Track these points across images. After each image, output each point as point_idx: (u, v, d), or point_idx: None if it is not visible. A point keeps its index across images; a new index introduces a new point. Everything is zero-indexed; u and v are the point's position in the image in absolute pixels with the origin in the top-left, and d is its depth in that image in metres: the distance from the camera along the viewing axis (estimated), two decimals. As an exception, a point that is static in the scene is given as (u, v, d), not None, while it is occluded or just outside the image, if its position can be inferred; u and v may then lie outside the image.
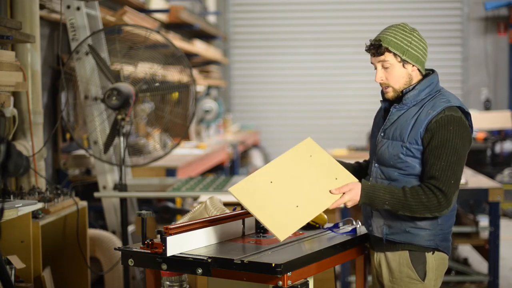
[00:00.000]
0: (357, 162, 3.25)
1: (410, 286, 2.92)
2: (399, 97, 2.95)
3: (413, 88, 2.91)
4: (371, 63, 2.97)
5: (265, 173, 2.79)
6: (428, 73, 2.98)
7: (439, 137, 2.81)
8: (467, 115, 2.91)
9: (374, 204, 2.85)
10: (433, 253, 2.93)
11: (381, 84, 2.96)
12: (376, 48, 2.89)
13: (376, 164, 2.99)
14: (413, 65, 2.89)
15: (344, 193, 2.82)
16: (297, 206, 2.74)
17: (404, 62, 2.88)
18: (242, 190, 2.70)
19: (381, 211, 2.94)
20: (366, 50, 2.96)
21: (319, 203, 2.78)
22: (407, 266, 2.92)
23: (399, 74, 2.90)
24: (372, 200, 2.84)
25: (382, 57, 2.89)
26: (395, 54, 2.87)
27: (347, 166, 3.10)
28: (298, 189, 2.79)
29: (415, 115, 2.88)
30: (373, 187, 2.85)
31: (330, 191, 2.82)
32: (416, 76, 2.93)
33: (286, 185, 2.78)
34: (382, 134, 2.97)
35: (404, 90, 2.92)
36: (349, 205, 2.85)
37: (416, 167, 2.89)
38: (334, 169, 2.91)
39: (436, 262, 2.94)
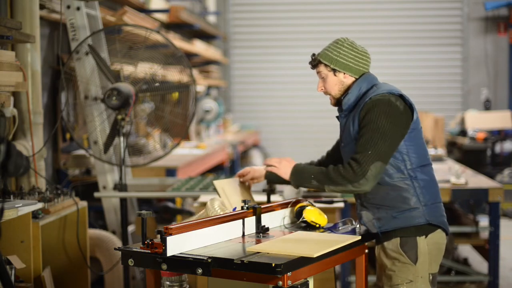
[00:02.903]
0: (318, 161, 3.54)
1: (403, 270, 3.06)
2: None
3: (347, 93, 3.15)
4: None
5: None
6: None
7: (365, 120, 3.05)
8: (401, 97, 3.06)
9: (302, 177, 3.16)
10: (425, 237, 3.05)
11: (324, 93, 3.22)
12: (312, 62, 3.21)
13: None
14: (344, 73, 3.14)
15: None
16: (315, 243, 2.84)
17: (334, 70, 3.14)
18: (259, 246, 2.76)
19: (368, 208, 3.12)
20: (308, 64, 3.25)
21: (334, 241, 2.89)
22: (398, 251, 3.06)
23: (333, 82, 3.17)
24: (300, 174, 3.17)
25: (317, 69, 3.20)
26: (325, 65, 3.15)
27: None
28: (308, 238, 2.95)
29: (354, 114, 3.11)
30: (303, 165, 3.23)
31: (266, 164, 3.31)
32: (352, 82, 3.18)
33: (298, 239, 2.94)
34: (342, 144, 3.23)
35: (342, 97, 3.17)
36: (278, 172, 3.25)
37: None
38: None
39: (429, 246, 3.07)
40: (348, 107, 3.14)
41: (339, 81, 3.15)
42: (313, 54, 3.21)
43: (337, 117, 3.27)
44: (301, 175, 3.16)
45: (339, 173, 3.02)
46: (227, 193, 3.45)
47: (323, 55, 3.15)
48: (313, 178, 3.10)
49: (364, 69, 3.15)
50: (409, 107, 3.06)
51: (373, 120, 2.99)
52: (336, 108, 3.27)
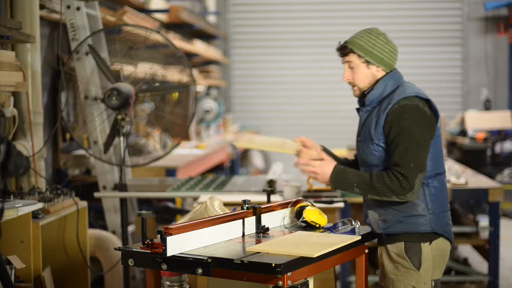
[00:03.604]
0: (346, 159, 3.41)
1: (406, 275, 3.03)
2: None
3: (372, 89, 3.06)
4: (342, 63, 3.13)
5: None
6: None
7: (396, 127, 2.95)
8: (428, 102, 3.00)
9: (344, 185, 3.02)
10: (430, 243, 3.03)
11: (349, 83, 3.10)
12: (342, 49, 3.08)
13: (362, 168, 3.15)
14: (377, 66, 3.04)
15: (314, 167, 3.08)
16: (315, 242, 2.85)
17: (368, 63, 3.04)
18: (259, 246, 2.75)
19: (374, 208, 3.08)
20: (336, 50, 3.12)
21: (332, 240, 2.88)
22: (401, 256, 3.03)
23: (364, 74, 3.06)
24: (342, 181, 3.03)
25: (347, 58, 3.07)
26: (359, 55, 3.04)
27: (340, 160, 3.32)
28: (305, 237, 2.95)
29: (377, 112, 3.02)
30: (344, 170, 3.05)
31: (299, 162, 3.11)
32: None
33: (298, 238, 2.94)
34: (358, 139, 3.15)
35: (365, 92, 3.07)
36: (320, 180, 3.09)
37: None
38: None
39: (433, 252, 3.04)
40: (371, 103, 3.06)
41: (372, 74, 3.05)
42: (345, 42, 3.07)
43: (357, 109, 3.17)
44: (343, 182, 3.02)
45: (384, 184, 2.94)
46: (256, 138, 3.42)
47: (357, 45, 3.03)
48: (356, 186, 2.99)
49: (394, 65, 3.08)
50: (434, 113, 3.00)
51: (406, 128, 2.91)
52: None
